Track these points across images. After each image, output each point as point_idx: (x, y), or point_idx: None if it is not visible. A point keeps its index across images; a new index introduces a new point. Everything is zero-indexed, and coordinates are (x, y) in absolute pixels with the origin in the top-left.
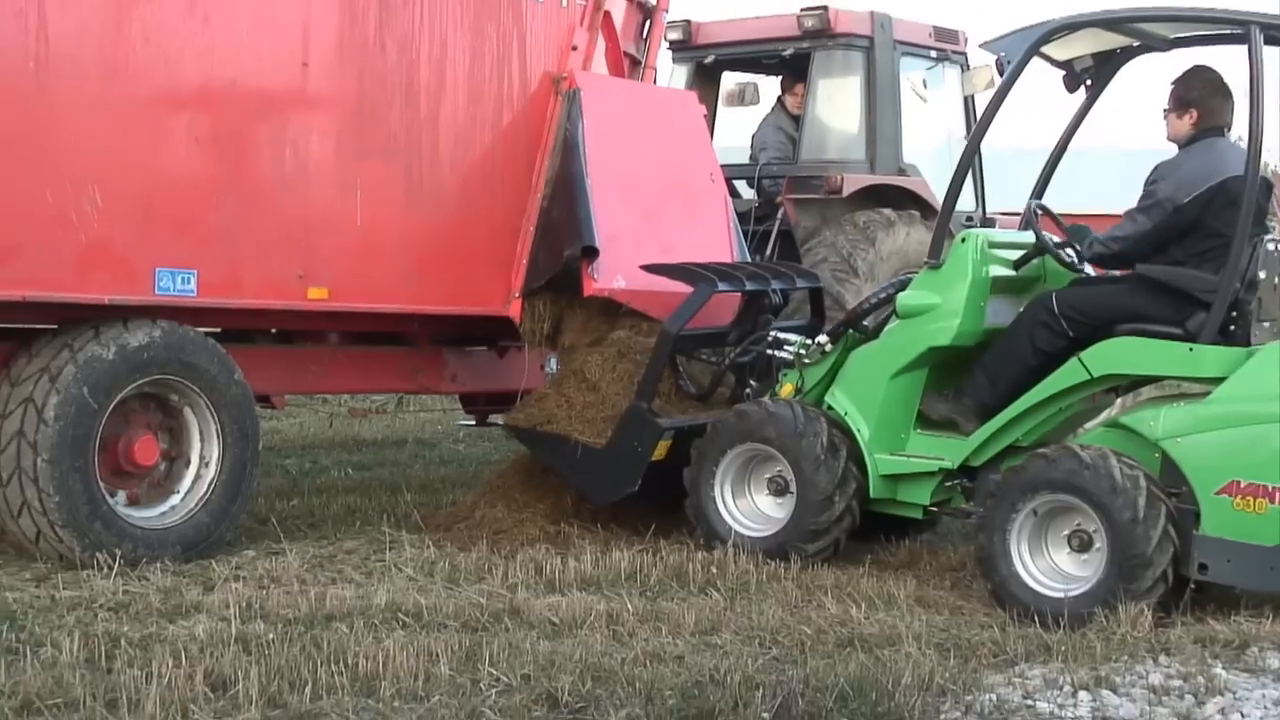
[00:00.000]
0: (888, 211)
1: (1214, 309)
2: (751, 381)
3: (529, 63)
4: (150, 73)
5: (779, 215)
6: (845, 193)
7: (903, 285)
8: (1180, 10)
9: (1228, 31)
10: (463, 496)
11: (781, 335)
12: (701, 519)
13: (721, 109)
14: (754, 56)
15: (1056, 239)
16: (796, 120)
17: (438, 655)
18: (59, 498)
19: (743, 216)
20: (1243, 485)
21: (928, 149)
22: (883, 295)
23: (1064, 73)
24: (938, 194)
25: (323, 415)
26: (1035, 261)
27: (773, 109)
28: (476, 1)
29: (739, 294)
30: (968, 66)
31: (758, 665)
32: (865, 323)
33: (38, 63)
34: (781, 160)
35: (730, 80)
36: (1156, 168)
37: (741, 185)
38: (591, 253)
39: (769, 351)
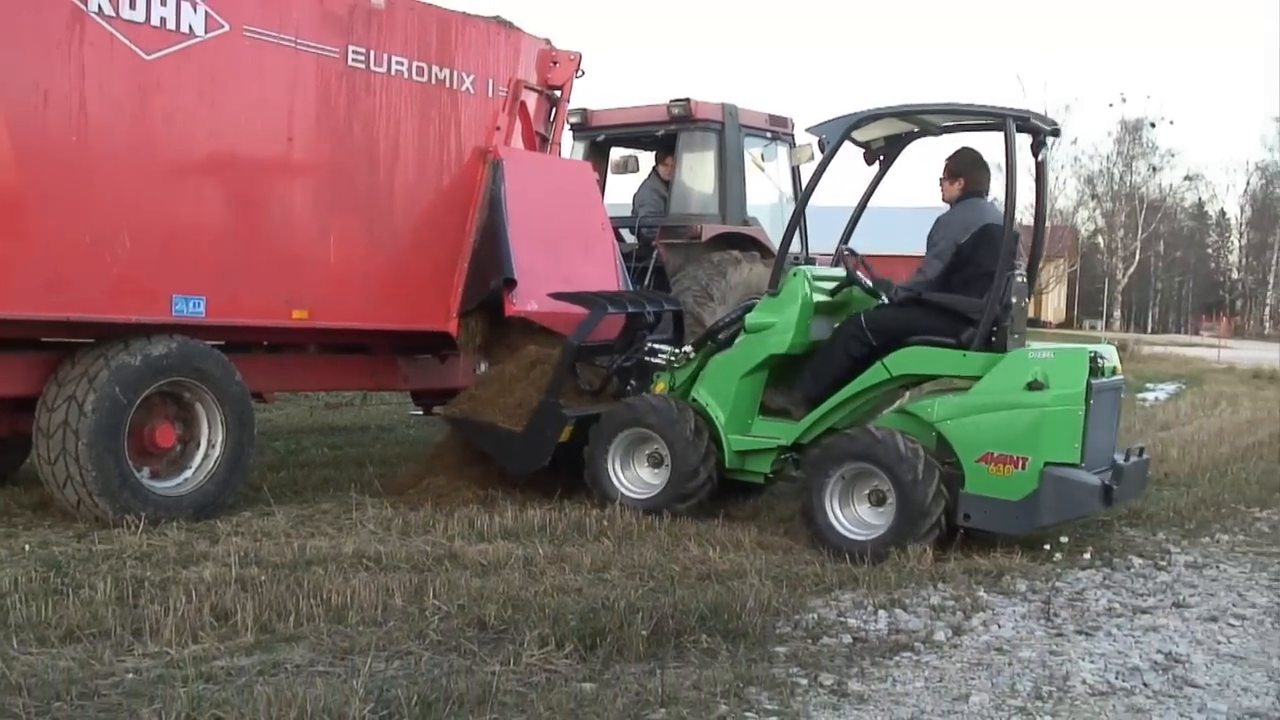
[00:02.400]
0: (735, 252)
1: (981, 325)
2: (632, 381)
3: (463, 139)
4: (168, 144)
5: (654, 255)
6: (704, 238)
7: (749, 308)
8: (957, 105)
9: (984, 121)
10: (413, 469)
11: (656, 345)
12: (597, 485)
13: (610, 175)
14: (634, 135)
15: (860, 274)
16: (667, 184)
17: (393, 590)
18: (96, 472)
19: (626, 256)
20: (995, 455)
21: (765, 205)
22: (733, 316)
23: (863, 151)
24: (773, 240)
25: (305, 407)
26: (846, 290)
27: (649, 175)
28: (423, 92)
29: (623, 315)
30: (795, 144)
31: (639, 594)
32: (720, 336)
33: (79, 136)
34: (656, 214)
35: (616, 153)
36: (936, 222)
37: (625, 233)
38: (511, 283)
39: (646, 358)
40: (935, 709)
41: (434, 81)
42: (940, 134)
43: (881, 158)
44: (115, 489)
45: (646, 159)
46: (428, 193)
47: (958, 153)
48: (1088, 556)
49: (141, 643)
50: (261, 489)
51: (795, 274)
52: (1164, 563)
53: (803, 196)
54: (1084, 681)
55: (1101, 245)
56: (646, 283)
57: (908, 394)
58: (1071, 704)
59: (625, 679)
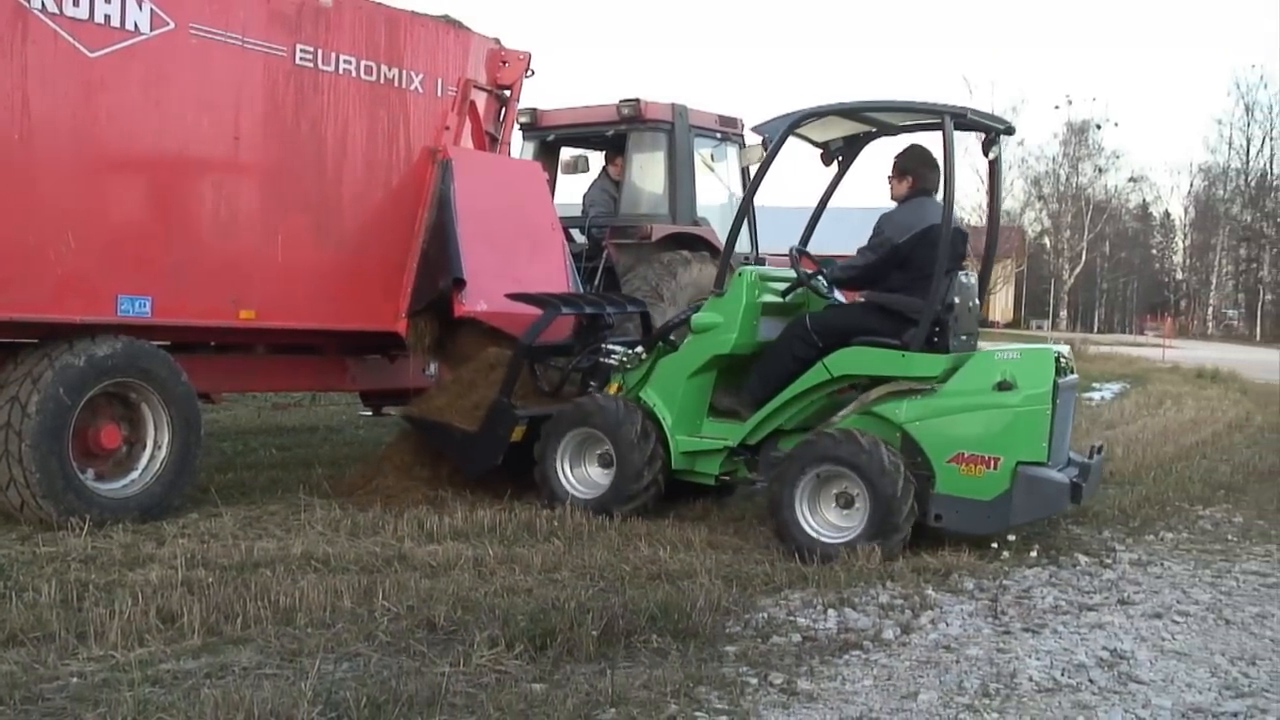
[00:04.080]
0: (685, 252)
1: (921, 325)
2: (591, 382)
3: (412, 139)
4: (113, 143)
5: (604, 255)
6: (654, 238)
7: (696, 308)
8: (895, 102)
9: (924, 119)
10: (362, 470)
11: (610, 346)
12: (546, 484)
13: (560, 175)
14: (584, 135)
15: (810, 272)
16: (617, 184)
17: (342, 592)
18: (40, 474)
19: (576, 256)
20: (967, 455)
21: (715, 205)
22: (682, 317)
23: (820, 151)
24: (723, 240)
25: (252, 408)
26: (799, 291)
27: (599, 175)
28: (371, 91)
29: (576, 315)
30: (744, 144)
31: (589, 595)
32: (671, 337)
33: (22, 135)
34: (606, 214)
35: (566, 153)
36: (880, 218)
37: (575, 233)
38: (460, 283)
39: (601, 359)
40: (884, 707)
41: (382, 81)
42: (898, 133)
43: (840, 158)
44: (59, 491)
45: (596, 159)
46: (376, 192)
47: (906, 150)
48: (1034, 554)
49: (86, 646)
50: (209, 490)
51: (740, 274)
52: (1109, 560)
53: (746, 195)
54: (1030, 679)
55: (1048, 246)
56: (597, 283)
57: (863, 395)
58: (1018, 701)
59: (575, 679)
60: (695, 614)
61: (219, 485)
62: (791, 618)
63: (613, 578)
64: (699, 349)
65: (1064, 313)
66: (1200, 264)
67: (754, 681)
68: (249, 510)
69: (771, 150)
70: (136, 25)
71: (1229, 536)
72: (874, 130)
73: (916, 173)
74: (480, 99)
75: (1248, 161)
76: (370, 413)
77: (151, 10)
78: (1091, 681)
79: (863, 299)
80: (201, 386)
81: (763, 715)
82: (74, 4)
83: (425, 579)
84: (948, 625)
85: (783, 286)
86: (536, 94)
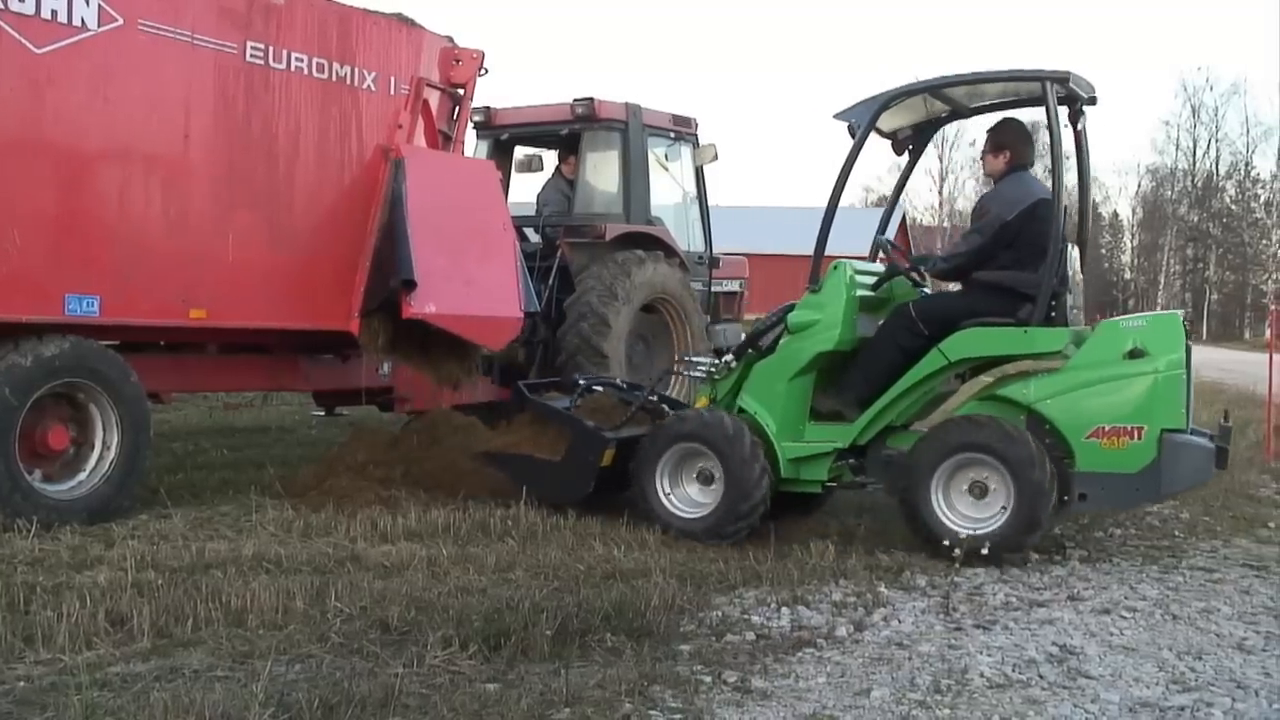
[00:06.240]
0: (639, 252)
1: (1039, 300)
2: (665, 407)
3: (365, 137)
4: (60, 140)
5: (558, 255)
6: (608, 238)
7: (790, 309)
8: (985, 73)
9: (1019, 91)
10: (315, 470)
11: (693, 359)
12: (645, 505)
13: (514, 174)
14: (538, 134)
15: (903, 264)
16: (571, 183)
17: (294, 593)
18: None
19: (530, 256)
20: (1107, 429)
21: (669, 205)
22: (774, 319)
23: (890, 141)
24: (677, 240)
25: (203, 408)
26: (885, 284)
27: (553, 174)
28: (324, 89)
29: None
30: (698, 144)
31: (543, 594)
32: (761, 342)
33: None
34: (560, 213)
35: (520, 152)
36: (983, 198)
37: (530, 232)
38: (410, 285)
39: (686, 373)
40: (837, 704)
41: (335, 78)
42: (971, 115)
43: (910, 147)
44: (5, 493)
45: (550, 158)
46: (329, 191)
47: (1001, 124)
48: (985, 552)
49: (33, 650)
50: (159, 491)
51: (836, 267)
52: (1059, 557)
53: (834, 191)
54: (982, 674)
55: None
56: (550, 282)
57: (975, 380)
58: (970, 697)
59: (530, 679)
60: (650, 613)
61: (169, 486)
62: (746, 616)
63: (567, 577)
64: (800, 349)
65: None
66: (1148, 263)
67: (708, 680)
68: (200, 511)
69: (859, 139)
70: (84, 21)
71: (1176, 533)
72: (944, 114)
73: (1014, 147)
74: (433, 97)
75: (1194, 163)
76: (323, 413)
77: (99, 6)
78: (1041, 677)
79: (966, 282)
80: (151, 386)
81: (717, 713)
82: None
83: (378, 579)
84: (900, 622)
85: (870, 280)
86: (490, 93)
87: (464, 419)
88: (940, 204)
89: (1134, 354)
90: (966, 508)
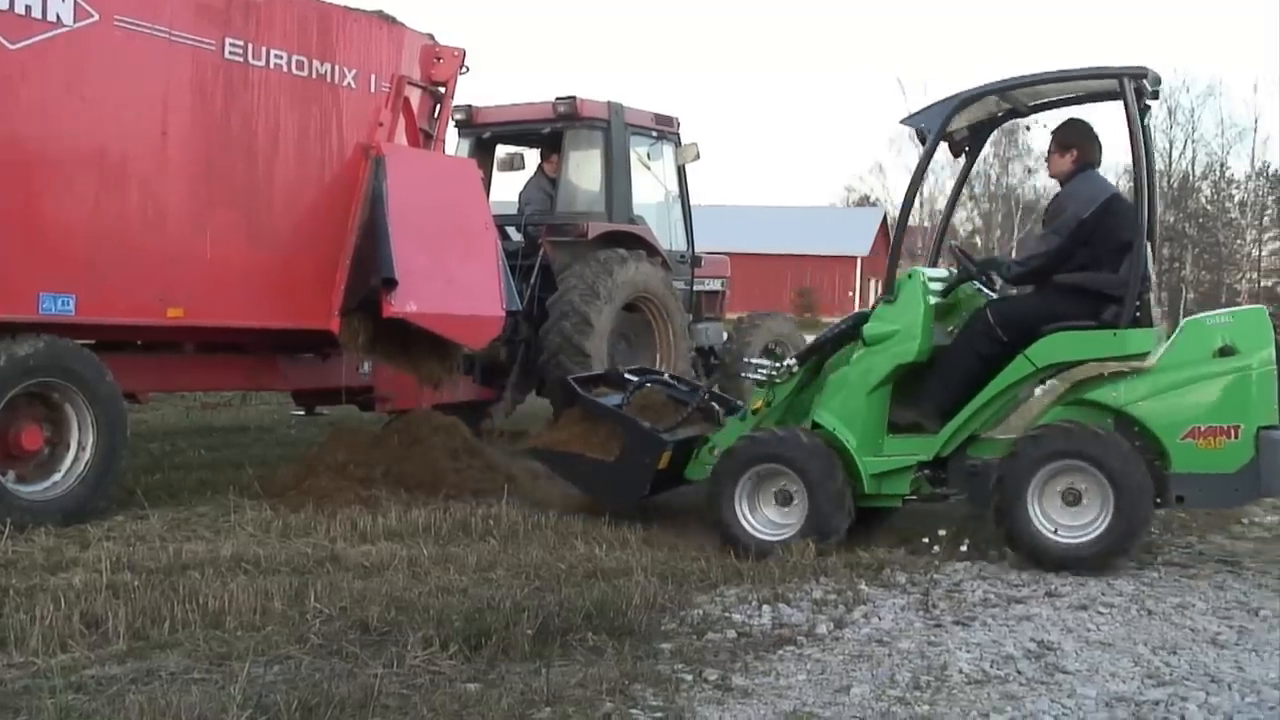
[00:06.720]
0: (621, 251)
1: (1127, 301)
2: (720, 409)
3: (345, 135)
4: (34, 137)
5: (540, 253)
6: (590, 236)
7: (860, 318)
8: (1059, 72)
9: (1073, 97)
10: (294, 470)
11: (754, 361)
12: (724, 528)
13: (496, 173)
14: (520, 133)
15: (973, 269)
16: (553, 182)
17: (273, 594)
18: None
19: (512, 255)
20: (1203, 429)
21: (651, 204)
22: (839, 330)
23: (948, 142)
24: (659, 238)
25: (181, 408)
26: (953, 290)
27: (535, 173)
28: (304, 86)
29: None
30: (680, 143)
31: (524, 594)
32: (827, 350)
33: None
34: (542, 212)
35: (502, 151)
36: (1057, 197)
37: (511, 231)
38: (391, 283)
39: (745, 375)
40: (817, 701)
41: (315, 76)
42: (1028, 114)
43: (967, 149)
44: None
45: (532, 156)
46: (309, 189)
47: (1068, 124)
48: (964, 549)
49: (6, 653)
50: (135, 492)
51: (912, 275)
52: None
53: (907, 197)
54: (961, 670)
55: (979, 245)
56: (532, 281)
57: (1047, 385)
58: (949, 693)
59: (510, 679)
60: (631, 612)
61: (146, 487)
62: (726, 614)
63: (548, 576)
64: (879, 361)
65: None
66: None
67: (689, 678)
68: (177, 512)
69: (932, 141)
70: (59, 17)
71: (1151, 529)
72: (1000, 114)
73: (1081, 146)
74: (414, 95)
75: (1170, 163)
76: (303, 412)
77: (75, 2)
78: (1019, 672)
79: (1040, 285)
80: (127, 386)
81: (698, 712)
82: None
83: (358, 580)
84: (880, 619)
85: (938, 287)
86: (472, 91)
87: (445, 419)
88: (921, 204)
89: (1224, 351)
90: (1061, 516)
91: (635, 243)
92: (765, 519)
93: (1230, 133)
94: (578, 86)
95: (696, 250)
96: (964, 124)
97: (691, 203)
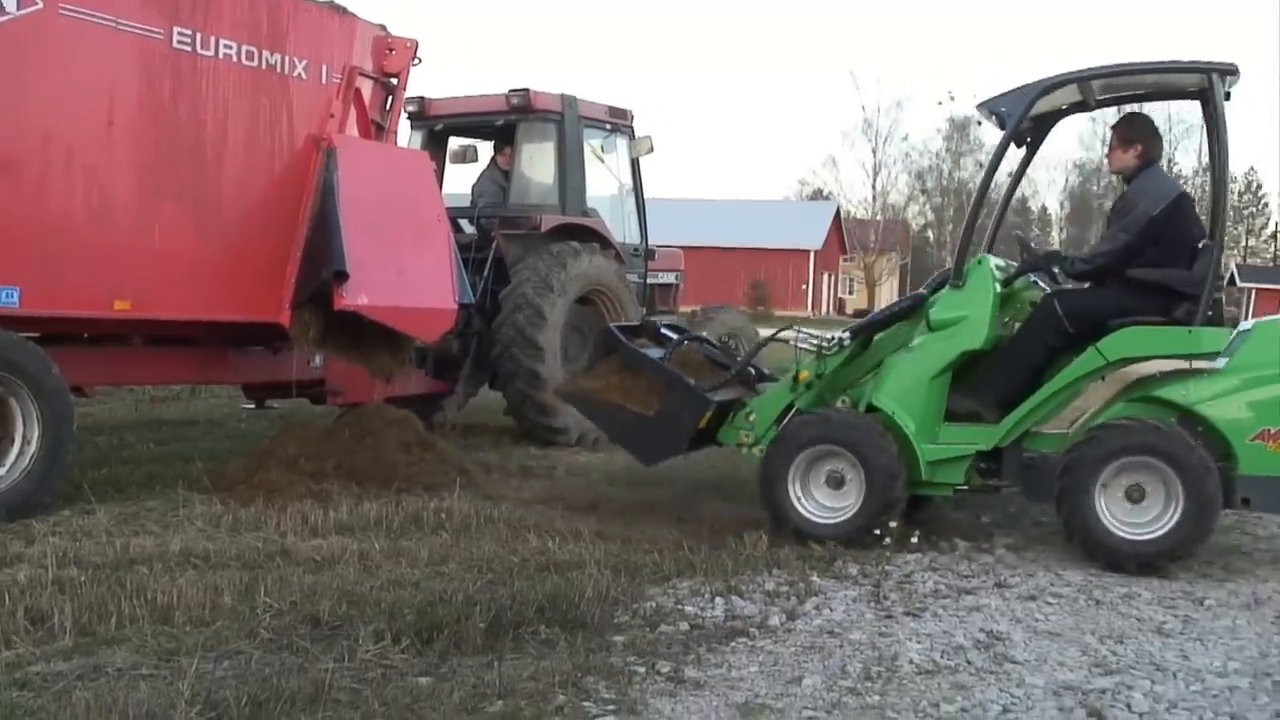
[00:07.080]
0: (575, 244)
1: (1202, 299)
2: (761, 375)
3: (295, 126)
4: None
5: (493, 246)
6: (543, 229)
7: (918, 299)
8: (1145, 64)
9: (1143, 92)
10: (244, 464)
11: (806, 331)
12: (776, 510)
13: (448, 165)
14: (473, 125)
15: (1040, 262)
16: (506, 174)
17: (222, 589)
18: None
19: (464, 247)
20: (1273, 431)
21: (605, 197)
22: (898, 309)
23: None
24: (613, 231)
25: (129, 401)
26: (1013, 281)
27: (488, 165)
28: (253, 76)
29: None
30: (634, 136)
31: (476, 587)
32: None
33: None
34: (495, 205)
35: (455, 143)
36: (1128, 193)
37: (464, 223)
38: (342, 275)
39: (794, 344)
40: (769, 692)
41: (265, 66)
42: (1096, 108)
43: (1029, 140)
44: None
45: (485, 149)
46: (258, 181)
47: (1131, 118)
48: (915, 540)
49: None
50: (82, 487)
51: (980, 261)
52: (987, 545)
53: (983, 183)
54: (911, 661)
55: (931, 239)
56: (485, 274)
57: (1111, 380)
58: (899, 683)
59: (463, 672)
60: (583, 604)
61: (93, 481)
62: (679, 606)
63: (501, 569)
64: (944, 347)
65: None
66: None
67: (642, 670)
68: (125, 507)
69: (1011, 128)
70: (2, 4)
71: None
72: (1065, 106)
73: (1145, 141)
74: (366, 87)
75: None
76: (253, 406)
77: None
78: (969, 663)
79: (1114, 278)
80: (74, 379)
81: (650, 704)
82: None
83: (309, 574)
84: (832, 611)
85: (1003, 277)
86: (425, 83)
87: (397, 412)
88: (874, 198)
89: None
90: (1122, 512)
91: (589, 236)
92: (817, 503)
93: (1178, 129)
94: (533, 80)
95: (650, 243)
96: (1030, 115)
97: (645, 196)
